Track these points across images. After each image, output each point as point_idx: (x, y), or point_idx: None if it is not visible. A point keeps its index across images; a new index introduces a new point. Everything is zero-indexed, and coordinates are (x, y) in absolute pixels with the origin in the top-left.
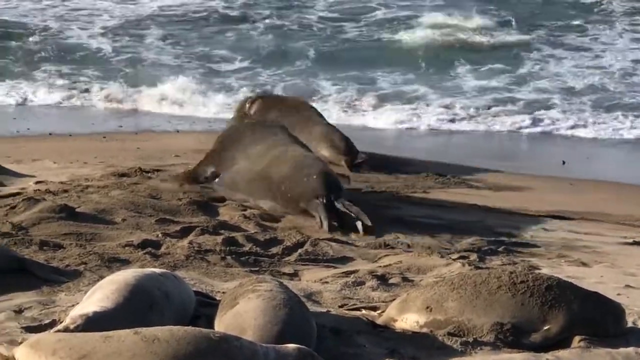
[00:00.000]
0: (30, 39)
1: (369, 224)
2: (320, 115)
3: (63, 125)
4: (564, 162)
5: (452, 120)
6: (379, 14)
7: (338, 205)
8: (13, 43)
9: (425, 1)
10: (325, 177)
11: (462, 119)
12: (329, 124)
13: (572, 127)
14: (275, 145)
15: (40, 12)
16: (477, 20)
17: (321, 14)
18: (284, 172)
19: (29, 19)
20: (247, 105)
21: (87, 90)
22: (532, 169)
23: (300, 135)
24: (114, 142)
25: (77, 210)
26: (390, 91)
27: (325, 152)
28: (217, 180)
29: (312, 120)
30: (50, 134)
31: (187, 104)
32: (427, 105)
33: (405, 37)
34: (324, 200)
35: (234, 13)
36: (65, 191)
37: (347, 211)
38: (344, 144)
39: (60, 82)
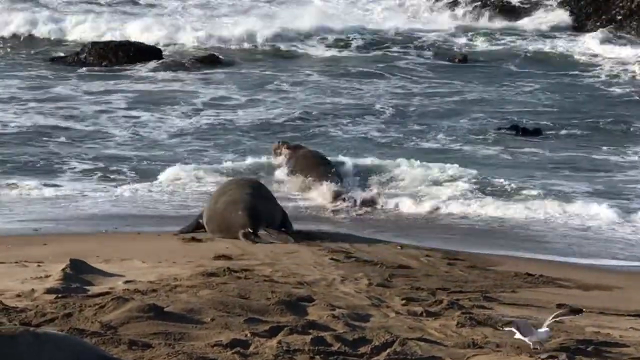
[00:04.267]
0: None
1: (286, 243)
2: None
3: (152, 225)
4: None
5: None
6: None
7: (260, 233)
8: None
9: None
10: (247, 213)
11: None
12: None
13: None
14: (230, 189)
15: None
16: None
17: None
18: (221, 208)
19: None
20: (278, 147)
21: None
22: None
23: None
24: (203, 242)
25: (166, 309)
26: None
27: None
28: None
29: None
30: (138, 233)
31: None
32: None
33: None
34: (246, 231)
35: None
36: (154, 291)
37: (267, 239)
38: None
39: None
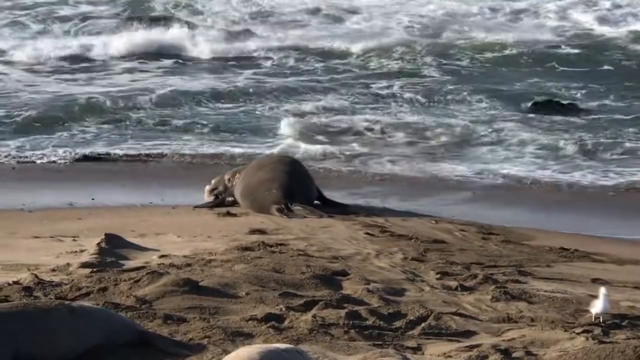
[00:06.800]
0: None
1: (318, 218)
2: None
3: (187, 198)
4: None
5: None
6: None
7: (294, 208)
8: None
9: None
10: (281, 190)
11: None
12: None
13: None
14: (265, 165)
15: None
16: None
17: None
18: (255, 184)
19: None
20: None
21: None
22: None
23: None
24: (238, 216)
25: (201, 284)
26: None
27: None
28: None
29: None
30: (174, 207)
31: None
32: None
33: None
34: (280, 207)
35: None
36: (189, 265)
37: (301, 213)
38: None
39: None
